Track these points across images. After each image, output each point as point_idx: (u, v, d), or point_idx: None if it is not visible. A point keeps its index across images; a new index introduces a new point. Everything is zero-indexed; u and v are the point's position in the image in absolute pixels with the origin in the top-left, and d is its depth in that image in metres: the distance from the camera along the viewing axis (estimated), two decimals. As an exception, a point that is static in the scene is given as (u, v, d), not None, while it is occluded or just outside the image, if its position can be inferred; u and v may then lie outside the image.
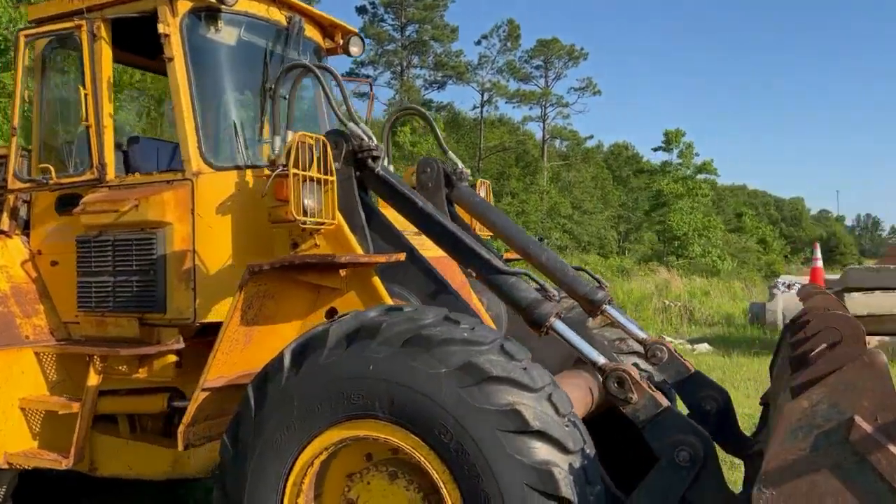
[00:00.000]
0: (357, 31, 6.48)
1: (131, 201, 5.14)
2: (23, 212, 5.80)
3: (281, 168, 4.23)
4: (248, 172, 5.18)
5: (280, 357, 3.88)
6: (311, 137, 4.49)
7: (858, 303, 14.00)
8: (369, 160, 4.77)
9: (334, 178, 4.58)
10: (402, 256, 4.50)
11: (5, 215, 5.75)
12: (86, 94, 5.40)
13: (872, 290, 14.14)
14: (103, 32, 5.46)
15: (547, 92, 69.86)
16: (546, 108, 70.90)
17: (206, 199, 5.10)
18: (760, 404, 5.20)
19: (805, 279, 19.60)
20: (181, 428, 4.30)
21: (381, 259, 4.36)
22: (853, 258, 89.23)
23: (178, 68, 5.18)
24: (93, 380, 5.15)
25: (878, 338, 13.73)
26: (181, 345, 5.15)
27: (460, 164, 5.83)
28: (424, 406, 3.50)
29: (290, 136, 4.96)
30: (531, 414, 3.39)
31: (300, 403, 3.76)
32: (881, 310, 13.93)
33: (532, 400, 3.46)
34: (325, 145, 4.54)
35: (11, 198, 5.75)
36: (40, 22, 5.63)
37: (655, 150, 62.53)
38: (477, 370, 3.47)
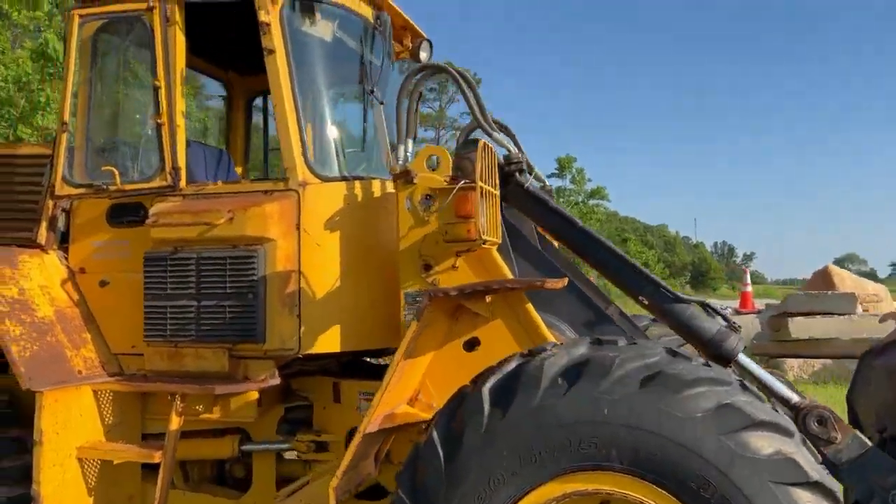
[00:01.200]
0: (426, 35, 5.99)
1: (223, 213, 4.42)
2: (61, 223, 4.89)
3: (463, 181, 3.69)
4: (357, 184, 4.59)
5: (475, 397, 3.37)
6: (483, 145, 3.98)
7: (800, 327, 14.65)
8: (517, 173, 4.31)
9: (497, 191, 4.09)
10: (565, 282, 4.07)
11: (43, 226, 4.83)
12: (157, 88, 4.63)
13: (812, 314, 14.84)
14: (178, 17, 4.72)
15: (441, 114, 70.39)
16: (440, 130, 71.45)
17: (314, 214, 4.47)
18: (878, 433, 5.09)
19: (730, 303, 20.46)
20: (335, 482, 3.65)
21: (557, 285, 3.91)
22: (723, 282, 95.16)
23: (280, 63, 4.53)
24: (175, 423, 4.35)
25: (820, 361, 14.42)
26: (277, 380, 4.46)
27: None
28: (679, 456, 3.09)
29: (410, 144, 4.47)
30: (806, 463, 3.07)
31: (511, 452, 3.26)
32: (821, 334, 14.64)
33: (795, 446, 3.14)
34: (492, 154, 4.03)
35: (50, 205, 4.83)
36: (97, 1, 4.80)
37: (549, 176, 64.30)
38: (738, 414, 3.10)
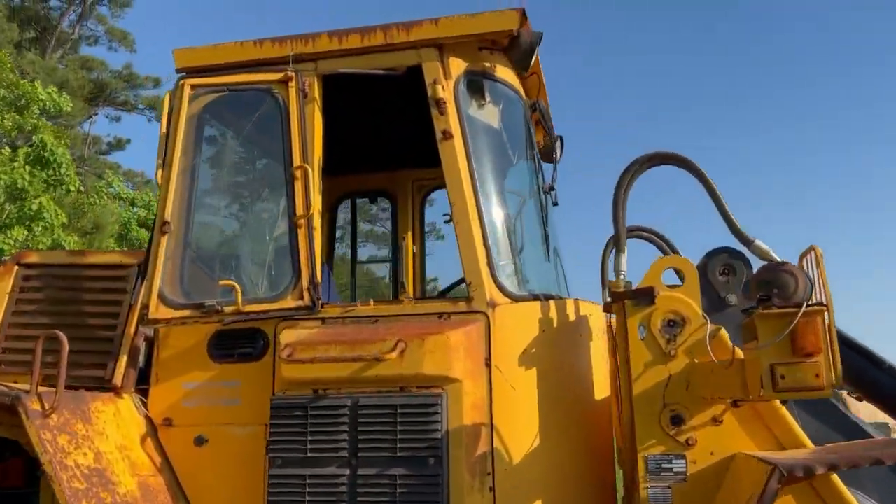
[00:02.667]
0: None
1: (389, 343, 3.24)
2: (141, 356, 3.62)
3: (806, 304, 2.62)
4: (552, 305, 3.50)
5: None
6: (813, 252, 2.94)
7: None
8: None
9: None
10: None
11: (123, 361, 3.54)
12: (290, 180, 3.54)
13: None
14: (316, 91, 3.71)
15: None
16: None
17: (507, 344, 3.35)
18: None
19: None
20: None
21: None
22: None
23: (459, 150, 3.53)
24: None
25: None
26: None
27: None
28: None
29: (624, 258, 3.45)
30: None
31: None
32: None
33: None
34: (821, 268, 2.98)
35: (132, 333, 3.57)
36: (211, 70, 3.76)
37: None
38: None
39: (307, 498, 3.20)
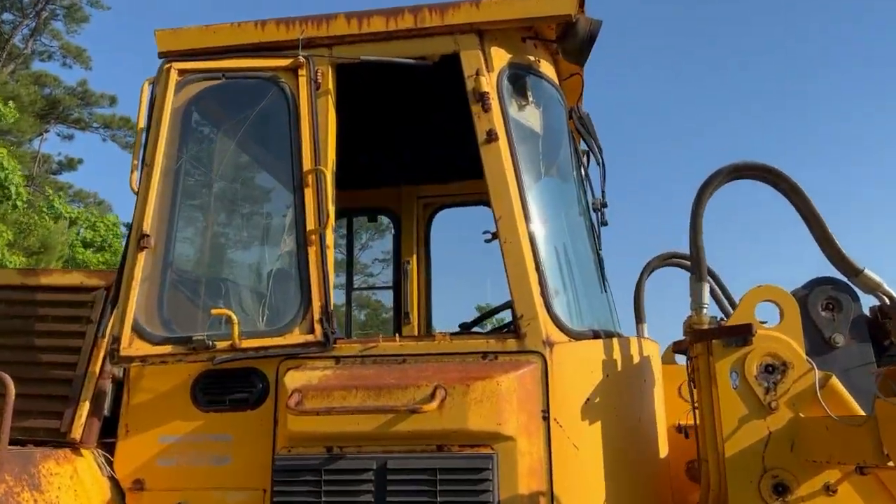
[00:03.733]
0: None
1: (423, 389, 2.61)
2: (106, 403, 2.91)
3: None
4: (615, 344, 2.91)
5: None
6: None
7: None
8: (904, 334, 2.75)
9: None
10: None
11: (84, 409, 2.82)
12: (299, 188, 2.90)
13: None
14: (330, 83, 3.09)
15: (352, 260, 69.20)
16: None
17: (568, 393, 2.74)
18: None
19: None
20: None
21: None
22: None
23: (506, 155, 2.94)
24: None
25: None
26: None
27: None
28: None
29: (706, 287, 2.89)
30: None
31: None
32: None
33: None
34: None
35: (95, 373, 2.85)
36: (202, 54, 3.11)
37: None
38: None
39: (321, 587, 2.52)
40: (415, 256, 4.74)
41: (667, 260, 4.46)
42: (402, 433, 2.61)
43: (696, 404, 2.95)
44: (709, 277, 3.06)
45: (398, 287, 4.72)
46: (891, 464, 2.29)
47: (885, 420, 2.28)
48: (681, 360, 4.52)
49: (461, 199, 4.85)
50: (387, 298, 4.85)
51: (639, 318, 4.27)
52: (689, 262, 4.25)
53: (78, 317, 2.93)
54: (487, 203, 4.80)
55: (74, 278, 3.04)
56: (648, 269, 4.44)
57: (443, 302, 5.15)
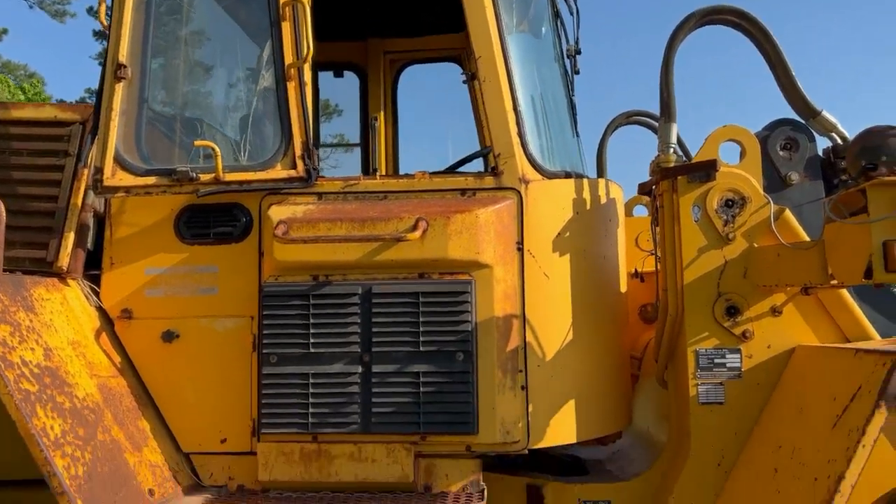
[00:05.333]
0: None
1: (405, 221, 2.73)
2: (90, 236, 2.95)
3: None
4: (586, 184, 3.06)
5: None
6: None
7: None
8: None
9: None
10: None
11: (68, 240, 2.85)
12: (275, 22, 2.86)
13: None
14: (306, -83, 3.00)
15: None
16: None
17: (541, 227, 2.90)
18: None
19: None
20: None
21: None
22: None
23: (488, 5, 2.94)
24: (342, 579, 2.53)
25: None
26: (484, 496, 2.79)
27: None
28: None
29: (674, 128, 3.04)
30: None
31: None
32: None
33: None
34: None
35: (77, 205, 2.87)
36: None
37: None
38: None
39: (311, 399, 2.70)
40: (382, 113, 4.75)
41: (631, 118, 4.59)
42: (386, 262, 2.74)
43: (657, 243, 3.15)
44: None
45: (366, 144, 4.75)
46: (833, 282, 2.53)
47: (832, 242, 2.51)
48: (639, 212, 4.76)
49: (428, 55, 4.82)
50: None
51: (601, 174, 4.43)
52: (652, 121, 4.39)
53: (55, 151, 2.92)
54: (455, 59, 4.84)
55: (48, 112, 2.99)
56: (613, 125, 4.56)
57: (409, 164, 5.22)
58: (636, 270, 3.99)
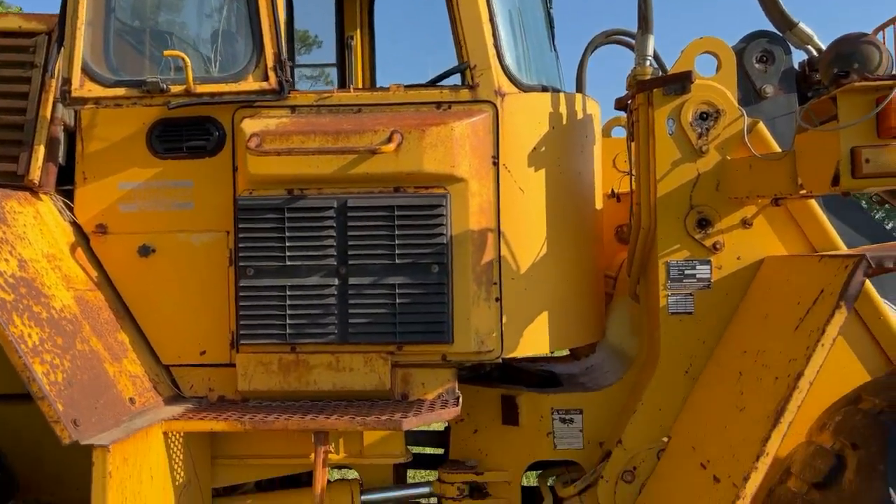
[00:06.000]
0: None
1: (380, 134, 2.72)
2: (61, 150, 2.91)
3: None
4: (562, 98, 3.05)
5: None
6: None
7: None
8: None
9: None
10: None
11: (39, 153, 2.81)
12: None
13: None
14: None
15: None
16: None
17: (516, 140, 2.90)
18: None
19: None
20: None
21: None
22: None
23: None
24: (322, 478, 2.61)
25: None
26: (459, 402, 2.86)
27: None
28: None
29: (651, 40, 3.02)
30: None
31: None
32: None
33: None
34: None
35: (46, 117, 2.83)
36: None
37: None
38: None
39: (288, 311, 2.74)
40: (358, 31, 4.66)
41: (610, 37, 4.53)
42: (360, 175, 2.74)
43: (632, 161, 3.17)
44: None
45: (342, 63, 4.68)
46: (803, 191, 2.57)
47: (802, 151, 2.54)
48: (617, 133, 4.75)
49: (405, -28, 4.71)
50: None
51: (580, 88, 4.40)
52: (631, 41, 4.34)
53: (21, 62, 2.85)
54: (432, -24, 4.71)
55: (11, 22, 2.91)
56: (592, 45, 4.50)
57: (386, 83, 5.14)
58: (613, 191, 4.02)
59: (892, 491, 1.99)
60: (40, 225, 2.73)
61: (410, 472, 3.86)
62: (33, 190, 2.81)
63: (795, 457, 2.35)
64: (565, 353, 4.34)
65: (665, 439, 2.84)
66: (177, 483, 2.68)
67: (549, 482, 3.29)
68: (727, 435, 2.41)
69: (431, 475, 3.48)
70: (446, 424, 3.34)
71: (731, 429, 2.41)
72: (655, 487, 2.76)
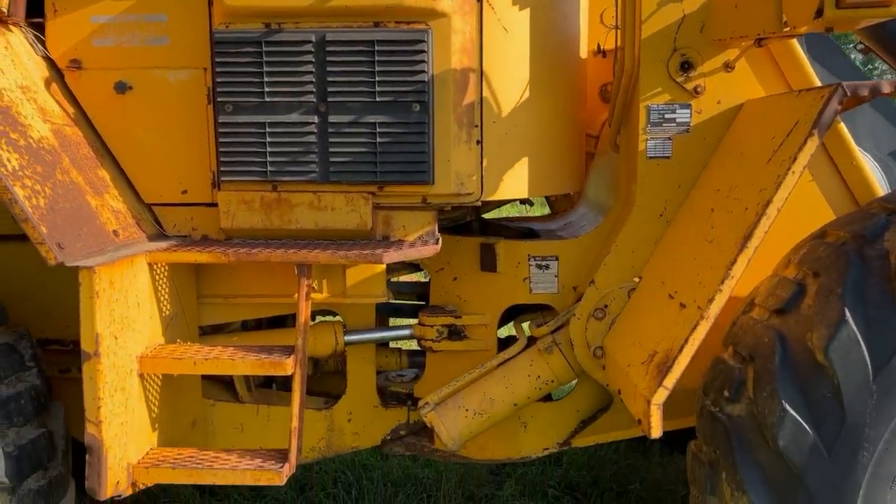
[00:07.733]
0: None
1: (351, -35, 2.64)
2: None
3: None
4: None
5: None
6: None
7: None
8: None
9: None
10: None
11: (3, -20, 2.71)
12: None
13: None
14: None
15: None
16: None
17: (503, -21, 2.82)
18: None
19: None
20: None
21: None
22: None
23: None
24: (304, 312, 2.70)
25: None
26: (439, 241, 2.93)
27: None
28: None
29: None
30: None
31: None
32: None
33: None
34: None
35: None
36: None
37: None
38: None
39: (269, 148, 2.74)
40: None
41: None
42: (339, 8, 2.68)
43: (618, 7, 3.10)
44: None
45: None
46: (787, 29, 2.55)
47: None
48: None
49: None
50: None
51: None
52: None
53: None
54: None
55: None
56: None
57: None
58: (599, 46, 3.96)
59: (846, 311, 2.08)
60: (12, 55, 2.66)
61: (392, 322, 3.99)
62: (2, 20, 2.73)
63: (759, 289, 2.45)
64: (546, 212, 4.40)
65: (636, 279, 2.94)
66: (164, 314, 2.76)
67: (525, 327, 3.42)
68: (695, 266, 2.50)
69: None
70: (427, 277, 3.43)
71: (700, 260, 2.49)
72: (624, 321, 2.87)
